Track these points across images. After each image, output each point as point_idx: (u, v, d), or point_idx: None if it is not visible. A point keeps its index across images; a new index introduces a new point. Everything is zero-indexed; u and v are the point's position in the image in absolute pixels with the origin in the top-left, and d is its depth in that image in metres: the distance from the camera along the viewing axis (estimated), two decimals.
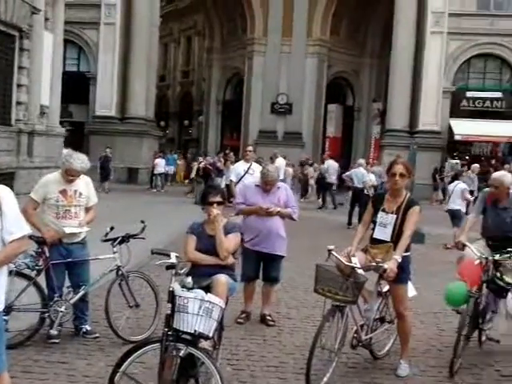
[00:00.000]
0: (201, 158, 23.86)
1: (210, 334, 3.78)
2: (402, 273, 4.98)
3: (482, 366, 5.60)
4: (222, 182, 18.26)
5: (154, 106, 31.07)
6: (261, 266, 6.59)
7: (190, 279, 3.87)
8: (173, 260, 3.98)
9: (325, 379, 4.76)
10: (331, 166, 22.27)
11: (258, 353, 5.61)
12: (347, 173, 17.54)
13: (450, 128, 27.67)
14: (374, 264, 4.88)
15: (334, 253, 4.93)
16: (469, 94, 28.37)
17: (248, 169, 10.42)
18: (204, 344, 3.98)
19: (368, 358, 5.49)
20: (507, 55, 27.48)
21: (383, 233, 5.17)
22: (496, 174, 6.08)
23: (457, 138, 27.39)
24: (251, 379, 4.97)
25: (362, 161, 17.24)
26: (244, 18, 33.87)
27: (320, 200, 21.47)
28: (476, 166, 18.89)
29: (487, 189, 6.27)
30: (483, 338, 6.06)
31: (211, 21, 38.37)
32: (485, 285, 5.46)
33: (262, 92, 32.26)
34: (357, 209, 15.12)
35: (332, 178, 21.60)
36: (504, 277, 5.29)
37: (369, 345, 5.32)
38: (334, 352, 4.84)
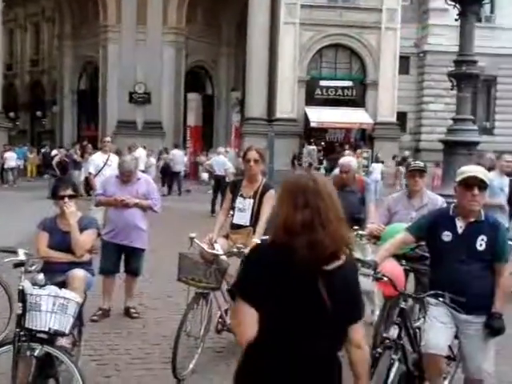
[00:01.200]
0: (55, 151, 22.77)
1: (67, 331, 3.64)
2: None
3: None
4: (81, 175, 17.58)
5: (0, 96, 29.15)
6: (122, 258, 6.47)
7: (41, 276, 3.69)
8: (21, 257, 3.77)
9: (191, 366, 4.79)
10: (176, 155, 22.69)
11: (123, 346, 5.51)
12: (208, 161, 17.71)
13: (305, 116, 28.79)
14: (235, 249, 4.97)
15: (196, 240, 4.96)
16: (322, 83, 29.67)
17: (107, 160, 10.13)
18: (62, 342, 3.82)
19: (233, 341, 5.58)
20: (356, 46, 29.08)
21: (242, 218, 5.29)
22: (344, 160, 6.39)
23: (312, 125, 28.58)
24: (116, 373, 4.87)
25: (221, 149, 17.48)
26: (96, 3, 32.64)
27: (165, 188, 21.77)
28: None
29: (334, 172, 6.64)
30: None
31: (61, 6, 36.62)
32: None
33: (119, 81, 31.40)
34: (220, 196, 15.30)
35: (177, 167, 22.07)
36: (353, 253, 5.61)
37: None
38: (199, 338, 4.88)
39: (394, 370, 3.99)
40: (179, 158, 22.50)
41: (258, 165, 5.30)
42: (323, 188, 2.28)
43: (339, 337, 2.31)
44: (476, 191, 3.66)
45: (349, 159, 6.46)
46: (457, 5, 10.83)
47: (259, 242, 4.97)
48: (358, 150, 26.71)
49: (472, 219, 3.76)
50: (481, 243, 3.71)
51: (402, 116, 29.99)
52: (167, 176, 22.47)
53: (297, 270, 2.17)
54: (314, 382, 2.27)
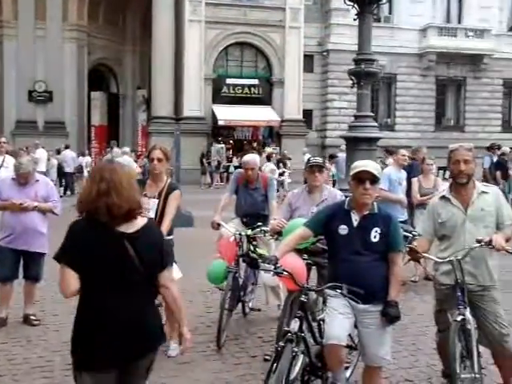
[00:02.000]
0: None
1: None
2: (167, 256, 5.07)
3: (247, 335, 5.98)
4: None
5: None
6: (20, 264, 6.19)
7: None
8: None
9: None
10: (68, 155, 22.68)
11: (22, 355, 5.28)
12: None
13: (213, 114, 28.80)
14: None
15: None
16: (228, 81, 29.76)
17: (2, 162, 9.66)
18: None
19: None
20: (261, 44, 29.38)
21: None
22: (248, 157, 6.43)
23: (220, 123, 28.62)
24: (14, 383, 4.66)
25: (126, 149, 17.13)
26: None
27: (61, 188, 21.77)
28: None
29: (238, 170, 6.68)
30: (247, 310, 6.48)
31: None
32: (241, 259, 5.83)
33: (17, 79, 30.00)
34: None
35: (68, 168, 22.20)
36: (257, 249, 5.69)
37: None
38: None
39: (298, 362, 4.07)
40: (69, 159, 22.52)
41: (163, 164, 5.23)
42: (117, 167, 2.99)
43: (151, 287, 2.97)
44: (368, 185, 3.79)
45: (253, 156, 6.50)
46: (355, 5, 11.15)
47: None
48: (266, 148, 27.06)
49: (366, 212, 3.89)
50: (375, 235, 3.84)
51: (307, 113, 30.63)
52: (60, 176, 22.50)
53: (105, 234, 2.83)
54: (131, 328, 2.86)
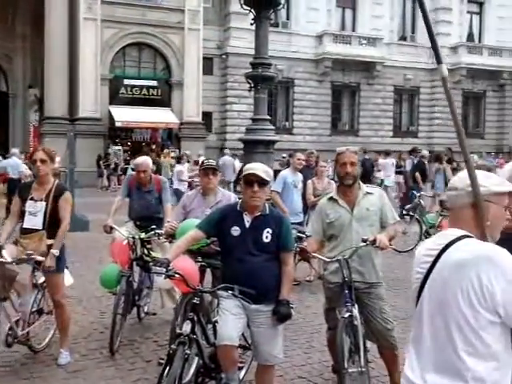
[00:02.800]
0: None
1: None
2: (58, 262, 4.92)
3: (142, 339, 5.89)
4: None
5: None
6: None
7: None
8: None
9: None
10: None
11: None
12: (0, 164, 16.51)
13: (110, 115, 28.12)
14: (25, 256, 4.68)
15: None
16: (126, 81, 29.18)
17: None
18: None
19: (26, 353, 5.27)
20: (160, 45, 29.05)
21: (33, 221, 5.01)
22: (140, 160, 6.35)
23: (118, 124, 27.99)
24: None
25: (15, 150, 16.40)
26: None
27: None
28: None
29: (130, 172, 6.57)
30: (142, 314, 6.38)
31: None
32: (135, 263, 5.74)
33: None
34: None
35: None
36: (152, 253, 5.63)
37: (27, 340, 5.11)
38: None
39: (191, 364, 4.06)
40: None
41: (47, 165, 5.05)
42: None
43: None
44: (256, 188, 3.85)
45: (144, 158, 6.42)
46: (252, 10, 11.30)
47: (57, 253, 4.81)
48: (166, 150, 26.79)
49: (258, 213, 3.95)
50: (267, 235, 3.91)
51: (207, 116, 30.64)
52: None
53: None
54: None
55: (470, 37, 34.04)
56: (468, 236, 2.16)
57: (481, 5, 34.20)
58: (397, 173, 18.79)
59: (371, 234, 4.24)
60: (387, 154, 19.05)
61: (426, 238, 11.69)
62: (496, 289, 2.00)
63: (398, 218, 4.65)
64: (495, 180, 2.25)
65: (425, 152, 16.05)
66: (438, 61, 2.21)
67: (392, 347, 4.50)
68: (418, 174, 14.71)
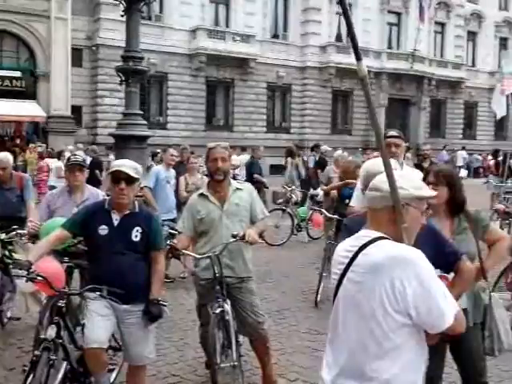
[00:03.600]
0: None
1: None
2: None
3: (5, 346, 5.56)
4: None
5: None
6: None
7: None
8: None
9: None
10: None
11: None
12: None
13: None
14: None
15: None
16: None
17: None
18: None
19: None
20: (24, 34, 27.43)
21: None
22: (0, 156, 5.98)
23: None
24: None
25: None
26: None
27: None
28: None
29: None
30: (5, 320, 6.02)
31: None
32: None
33: None
34: None
35: None
36: (14, 254, 5.30)
37: None
38: None
39: (59, 370, 3.87)
40: None
41: None
42: None
43: None
44: (123, 185, 3.75)
45: (4, 154, 6.03)
46: (122, 1, 11.00)
47: None
48: (31, 145, 25.43)
49: (126, 212, 3.85)
50: (136, 234, 3.82)
51: (77, 109, 29.43)
52: None
53: None
54: None
55: (339, 37, 35.53)
56: (383, 238, 2.16)
57: (349, 6, 35.81)
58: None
59: (241, 229, 4.28)
60: (243, 149, 19.33)
61: (298, 231, 12.08)
62: (408, 291, 2.01)
63: (268, 213, 4.74)
64: (417, 183, 2.29)
65: (325, 147, 16.49)
66: (358, 58, 2.15)
67: (264, 340, 4.59)
68: (320, 171, 15.01)
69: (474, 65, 42.14)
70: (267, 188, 12.79)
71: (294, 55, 34.15)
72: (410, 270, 2.03)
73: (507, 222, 9.10)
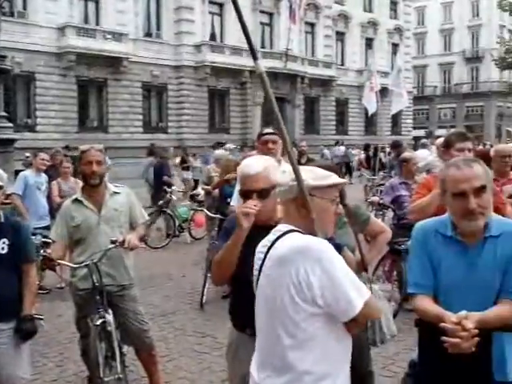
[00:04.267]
0: None
1: None
2: None
3: None
4: None
5: None
6: None
7: None
8: None
9: None
10: None
11: None
12: None
13: None
14: None
15: None
16: None
17: None
18: None
19: None
20: None
21: None
22: None
23: None
24: None
25: None
26: None
27: None
28: None
29: None
30: None
31: None
32: None
33: None
34: None
35: None
36: None
37: None
38: None
39: None
40: None
41: None
42: None
43: None
44: None
45: None
46: None
47: None
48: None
49: None
50: (3, 246, 3.51)
51: None
52: None
53: None
54: None
55: (213, 36, 35.64)
56: (294, 231, 2.15)
57: (221, 6, 36.01)
58: (183, 168, 19.17)
59: (121, 234, 4.08)
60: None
61: (180, 232, 11.92)
62: (313, 279, 2.00)
63: (147, 217, 4.56)
64: (317, 174, 2.24)
65: (229, 145, 16.38)
66: (254, 58, 2.16)
67: (149, 348, 4.43)
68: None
69: (343, 63, 44.06)
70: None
71: (169, 54, 33.79)
72: (314, 259, 2.02)
73: (381, 213, 9.56)
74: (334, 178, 2.26)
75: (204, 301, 7.09)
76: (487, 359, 2.37)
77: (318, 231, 2.15)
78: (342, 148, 31.22)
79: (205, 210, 8.27)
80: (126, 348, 4.45)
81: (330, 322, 2.08)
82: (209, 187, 8.77)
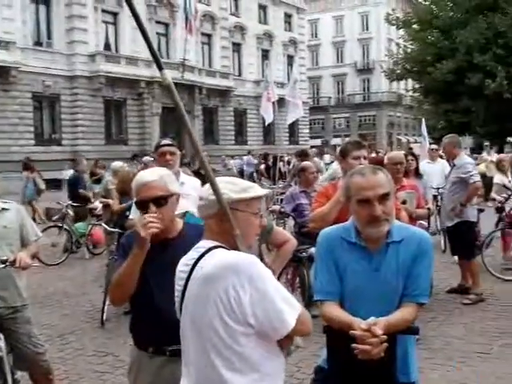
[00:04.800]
0: None
1: None
2: None
3: None
4: None
5: None
6: None
7: None
8: None
9: None
10: None
11: None
12: None
13: None
14: None
15: None
16: None
17: None
18: None
19: None
20: None
21: None
22: None
23: None
24: None
25: None
26: None
27: None
28: None
29: None
30: None
31: None
32: None
33: None
34: None
35: None
36: None
37: None
38: None
39: None
40: None
41: None
42: None
43: None
44: None
45: None
46: None
47: None
48: None
49: None
50: None
51: None
52: None
53: None
54: None
55: (107, 46, 34.83)
56: (218, 247, 2.03)
57: (115, 15, 35.30)
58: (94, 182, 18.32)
59: (11, 253, 3.82)
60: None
61: (78, 247, 11.47)
62: (243, 298, 1.90)
63: (40, 234, 4.30)
64: (238, 187, 2.13)
65: (146, 158, 15.86)
66: (159, 68, 2.05)
67: (46, 372, 4.19)
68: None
69: (240, 74, 44.55)
70: (92, 203, 11.80)
71: (61, 64, 32.62)
72: (243, 277, 1.92)
73: (282, 221, 9.68)
74: (256, 190, 2.17)
75: (105, 318, 6.82)
76: (392, 362, 2.41)
77: (242, 246, 2.05)
78: (249, 157, 31.50)
79: (103, 224, 8.00)
80: (19, 374, 4.17)
81: (263, 340, 1.99)
82: (108, 200, 8.50)
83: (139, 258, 2.58)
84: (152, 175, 2.70)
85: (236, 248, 2.05)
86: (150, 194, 2.64)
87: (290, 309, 1.97)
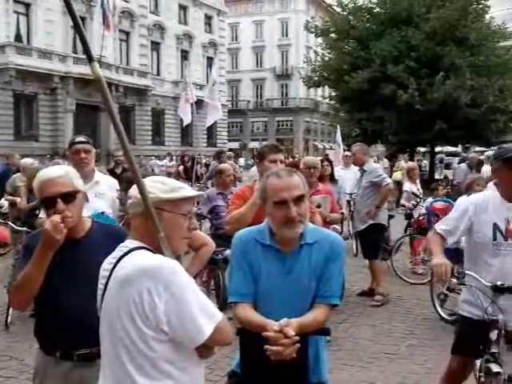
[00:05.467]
0: None
1: None
2: None
3: None
4: None
5: None
6: None
7: None
8: None
9: None
10: None
11: None
12: None
13: None
14: None
15: None
16: None
17: None
18: None
19: None
20: None
21: None
22: None
23: None
24: None
25: None
26: None
27: None
28: None
29: None
30: None
31: None
32: None
33: None
34: None
35: None
36: None
37: None
38: None
39: None
40: None
41: None
42: None
43: None
44: None
45: None
46: None
47: None
48: None
49: None
50: None
51: None
52: None
53: None
54: None
55: (18, 37, 33.39)
56: (142, 248, 1.94)
57: (28, 6, 33.91)
58: None
59: None
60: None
61: None
62: (158, 304, 1.82)
63: None
64: (167, 186, 2.03)
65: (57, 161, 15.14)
66: (90, 59, 1.94)
67: None
68: None
69: (158, 74, 44.02)
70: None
71: None
72: (160, 283, 1.84)
73: (199, 223, 9.59)
74: (186, 191, 2.09)
75: (9, 321, 6.51)
76: (304, 362, 2.43)
77: (166, 250, 1.97)
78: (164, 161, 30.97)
79: (9, 223, 7.65)
80: None
81: (178, 348, 1.92)
82: (15, 198, 8.13)
83: (45, 260, 2.46)
84: (57, 171, 2.58)
85: (157, 250, 1.98)
86: (57, 189, 2.50)
87: (207, 318, 1.91)
